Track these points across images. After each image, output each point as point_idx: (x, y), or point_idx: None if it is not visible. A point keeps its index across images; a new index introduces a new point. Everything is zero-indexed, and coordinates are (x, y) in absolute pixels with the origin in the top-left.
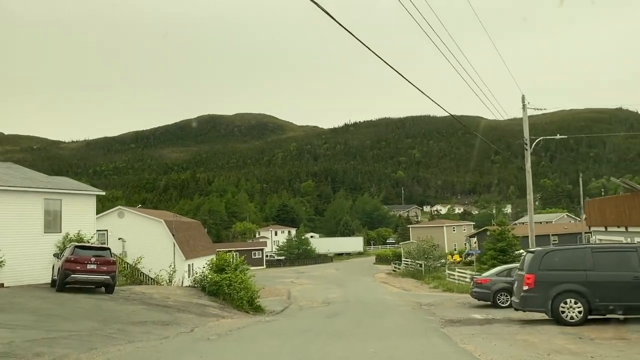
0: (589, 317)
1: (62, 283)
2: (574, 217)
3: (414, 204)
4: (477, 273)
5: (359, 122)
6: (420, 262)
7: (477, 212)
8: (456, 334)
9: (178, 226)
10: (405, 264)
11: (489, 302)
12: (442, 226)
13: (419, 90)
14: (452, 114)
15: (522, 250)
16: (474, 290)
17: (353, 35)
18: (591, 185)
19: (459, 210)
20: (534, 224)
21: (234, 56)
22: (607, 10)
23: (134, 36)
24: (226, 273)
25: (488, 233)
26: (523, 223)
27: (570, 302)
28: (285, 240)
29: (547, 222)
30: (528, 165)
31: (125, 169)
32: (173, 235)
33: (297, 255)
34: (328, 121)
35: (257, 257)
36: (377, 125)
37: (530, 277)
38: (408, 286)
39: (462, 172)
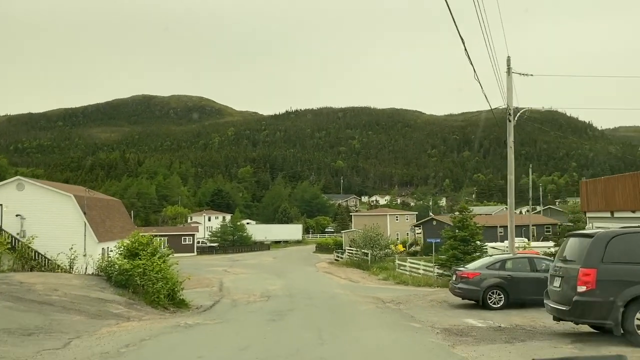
0: None
1: None
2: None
3: (352, 193)
4: (434, 264)
5: (300, 109)
6: (366, 251)
7: (413, 203)
8: None
9: (92, 203)
10: (349, 253)
11: (474, 302)
12: (386, 215)
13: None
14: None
15: (479, 242)
16: (457, 286)
17: None
18: (522, 181)
19: (395, 201)
20: (480, 216)
21: (172, 36)
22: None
23: (67, 7)
24: (140, 259)
25: (434, 222)
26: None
27: None
28: (219, 226)
29: (486, 214)
30: (510, 139)
31: (50, 147)
32: (84, 213)
33: (231, 242)
34: (268, 108)
35: (187, 243)
36: (319, 114)
37: (590, 273)
38: (355, 277)
39: (400, 164)
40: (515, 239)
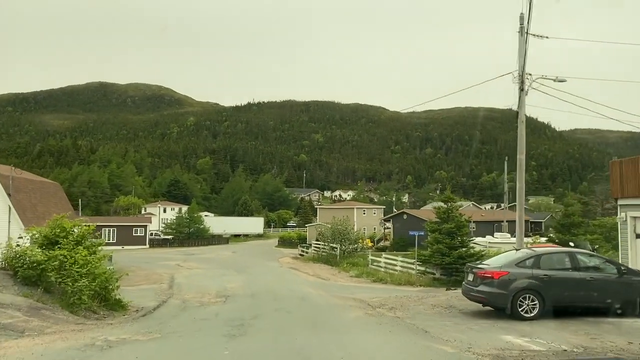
0: None
1: None
2: (478, 206)
3: (315, 188)
4: (415, 260)
5: (263, 102)
6: (335, 245)
7: (377, 199)
8: None
9: (21, 185)
10: (316, 247)
11: (496, 309)
12: (353, 208)
13: None
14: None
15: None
16: (477, 289)
17: None
18: (482, 179)
19: (361, 195)
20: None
21: (130, 24)
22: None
23: None
24: (60, 249)
25: (405, 216)
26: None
27: None
28: (175, 218)
29: None
30: (522, 111)
31: None
32: (9, 195)
33: (187, 234)
34: (230, 99)
35: (138, 234)
36: (282, 107)
37: None
38: (324, 274)
39: (364, 160)
40: (497, 234)
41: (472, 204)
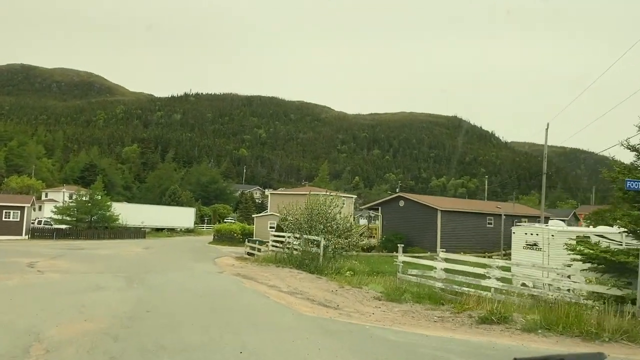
0: None
1: None
2: None
3: (256, 184)
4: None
5: (202, 93)
6: (316, 238)
7: None
8: None
9: None
10: (277, 242)
11: None
12: (317, 194)
13: None
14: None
15: None
16: None
17: None
18: (432, 183)
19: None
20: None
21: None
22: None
23: None
24: None
25: (401, 203)
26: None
27: None
28: (73, 201)
29: None
30: None
31: None
32: None
33: (89, 224)
34: (166, 91)
35: (11, 219)
36: (222, 99)
37: None
38: (316, 291)
39: (309, 158)
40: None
41: None
